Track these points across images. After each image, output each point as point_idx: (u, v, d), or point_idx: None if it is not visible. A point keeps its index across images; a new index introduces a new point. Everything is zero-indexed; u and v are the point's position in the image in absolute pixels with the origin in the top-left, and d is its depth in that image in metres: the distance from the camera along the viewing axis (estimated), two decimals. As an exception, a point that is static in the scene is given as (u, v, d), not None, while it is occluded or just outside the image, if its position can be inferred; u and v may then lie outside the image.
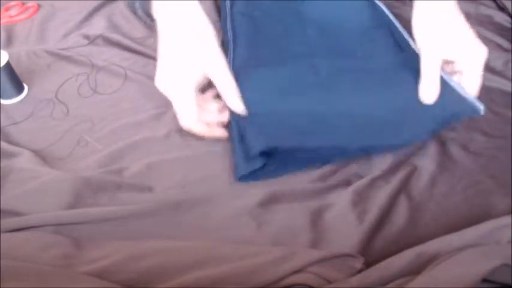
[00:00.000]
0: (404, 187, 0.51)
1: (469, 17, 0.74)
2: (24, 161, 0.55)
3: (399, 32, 0.68)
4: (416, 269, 0.39)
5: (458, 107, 0.54)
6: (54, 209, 0.49)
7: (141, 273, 0.41)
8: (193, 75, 0.54)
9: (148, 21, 0.78)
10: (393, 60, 0.63)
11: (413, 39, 0.59)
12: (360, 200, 0.49)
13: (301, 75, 0.62)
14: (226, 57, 0.67)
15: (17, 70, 0.66)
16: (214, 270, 0.40)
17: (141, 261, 0.42)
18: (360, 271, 0.41)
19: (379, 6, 0.74)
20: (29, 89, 0.68)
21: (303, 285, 0.40)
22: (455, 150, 0.55)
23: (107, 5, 0.82)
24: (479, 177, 0.52)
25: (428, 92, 0.54)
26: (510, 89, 0.61)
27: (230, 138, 0.57)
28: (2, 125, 0.62)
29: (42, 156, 0.57)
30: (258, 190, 0.52)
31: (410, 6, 0.76)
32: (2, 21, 0.81)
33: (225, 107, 0.56)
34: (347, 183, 0.52)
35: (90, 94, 0.66)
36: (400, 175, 0.52)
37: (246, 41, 0.70)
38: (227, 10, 0.77)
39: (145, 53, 0.71)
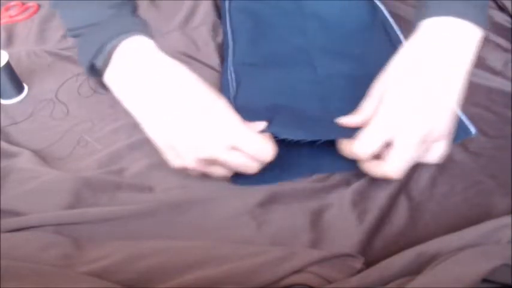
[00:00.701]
0: (404, 187, 0.51)
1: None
2: (24, 161, 0.55)
3: (395, 32, 0.68)
4: (416, 269, 0.39)
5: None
6: (54, 209, 0.49)
7: (141, 273, 0.41)
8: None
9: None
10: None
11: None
12: (360, 200, 0.49)
13: (299, 80, 0.62)
14: (226, 57, 0.67)
15: (17, 70, 0.66)
16: (214, 270, 0.40)
17: (141, 261, 0.42)
18: (360, 271, 0.41)
19: (378, 6, 0.74)
20: (29, 89, 0.68)
21: (303, 285, 0.40)
22: (455, 150, 0.55)
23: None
24: (479, 177, 0.52)
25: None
26: (510, 89, 0.61)
27: None
28: (2, 125, 0.62)
29: (42, 156, 0.57)
30: (258, 190, 0.52)
31: (411, 6, 0.76)
32: (2, 21, 0.81)
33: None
34: (347, 183, 0.52)
35: (90, 94, 0.66)
36: (400, 175, 0.52)
37: (245, 40, 0.70)
38: (226, 9, 0.77)
39: (145, 53, 0.71)
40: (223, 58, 0.70)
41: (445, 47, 0.46)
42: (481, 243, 0.40)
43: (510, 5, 0.74)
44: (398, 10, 0.75)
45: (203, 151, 0.46)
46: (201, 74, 0.67)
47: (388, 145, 0.46)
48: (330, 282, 0.40)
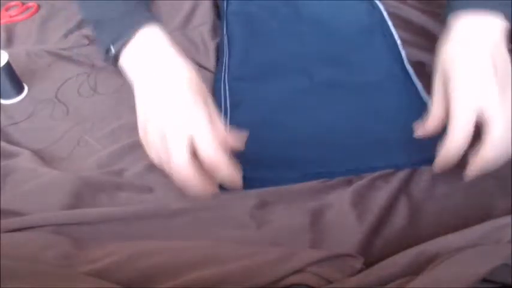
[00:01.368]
0: (404, 187, 0.51)
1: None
2: (24, 161, 0.55)
3: (393, 36, 0.68)
4: (416, 269, 0.39)
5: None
6: (54, 209, 0.49)
7: (141, 273, 0.41)
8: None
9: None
10: (386, 71, 0.63)
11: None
12: (360, 200, 0.49)
13: (294, 90, 0.62)
14: (221, 66, 0.67)
15: (17, 70, 0.66)
16: (214, 270, 0.40)
17: (141, 261, 0.42)
18: (360, 271, 0.41)
19: (378, 6, 0.74)
20: (29, 89, 0.68)
21: (303, 285, 0.40)
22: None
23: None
24: (479, 177, 0.52)
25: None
26: (510, 89, 0.61)
27: None
28: (2, 125, 0.62)
29: (42, 156, 0.57)
30: (257, 190, 0.52)
31: (411, 6, 0.76)
32: (2, 21, 0.81)
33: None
34: (347, 183, 0.52)
35: (90, 94, 0.66)
36: (400, 175, 0.52)
37: (240, 50, 0.70)
38: (224, 11, 0.77)
39: (145, 53, 0.71)
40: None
41: (483, 34, 0.49)
42: (481, 243, 0.40)
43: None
44: (398, 10, 0.75)
45: (166, 138, 0.47)
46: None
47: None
48: (330, 282, 0.40)
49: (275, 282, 0.40)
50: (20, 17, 0.82)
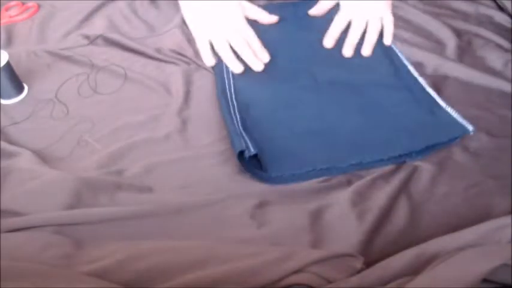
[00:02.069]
0: (404, 187, 0.51)
1: (469, 17, 0.75)
2: (24, 161, 0.55)
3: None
4: (416, 269, 0.39)
5: (450, 126, 0.55)
6: (54, 209, 0.49)
7: (141, 273, 0.41)
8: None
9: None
10: (386, 72, 0.65)
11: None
12: (360, 200, 0.49)
13: (298, 88, 0.63)
14: (222, 66, 0.68)
15: (17, 70, 0.66)
16: (214, 270, 0.40)
17: (141, 261, 0.42)
18: (360, 271, 0.41)
19: None
20: (29, 89, 0.68)
21: (303, 285, 0.40)
22: (455, 150, 0.55)
23: (107, 5, 0.82)
24: (479, 177, 0.52)
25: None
26: (510, 90, 0.61)
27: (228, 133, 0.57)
28: (2, 125, 0.62)
29: (42, 156, 0.57)
30: (257, 190, 0.52)
31: (411, 6, 0.76)
32: (2, 21, 0.81)
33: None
34: (347, 183, 0.52)
35: (90, 94, 0.66)
36: (400, 175, 0.52)
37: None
38: None
39: (145, 53, 0.71)
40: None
41: None
42: (481, 243, 0.40)
43: (510, 5, 0.74)
44: (398, 10, 0.75)
45: (221, 28, 0.69)
46: (197, 75, 0.68)
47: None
48: (330, 282, 0.40)
49: (275, 282, 0.40)
50: (20, 17, 0.82)
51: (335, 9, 0.73)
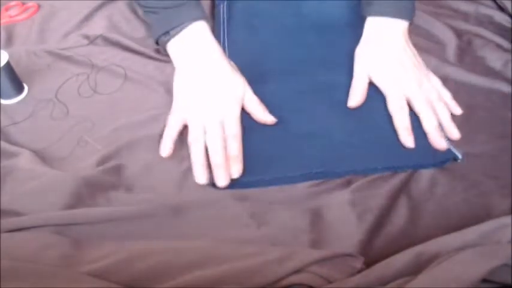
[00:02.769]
0: (404, 187, 0.51)
1: (469, 17, 0.75)
2: (24, 161, 0.55)
3: None
4: (416, 269, 0.39)
5: (439, 151, 0.54)
6: (54, 209, 0.49)
7: (141, 273, 0.41)
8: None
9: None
10: None
11: None
12: (360, 200, 0.49)
13: (299, 88, 0.63)
14: None
15: (17, 70, 0.66)
16: (214, 270, 0.40)
17: (141, 261, 0.42)
18: (360, 271, 0.41)
19: None
20: (29, 89, 0.68)
21: (303, 285, 0.40)
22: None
23: (107, 5, 0.82)
24: (479, 177, 0.52)
25: (353, 100, 0.60)
26: (510, 90, 0.61)
27: None
28: (2, 125, 0.62)
29: (42, 156, 0.57)
30: (257, 190, 0.52)
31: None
32: (2, 21, 0.81)
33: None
34: (347, 183, 0.52)
35: (90, 94, 0.66)
36: (400, 175, 0.52)
37: (242, 51, 0.70)
38: (221, 16, 0.76)
39: (145, 53, 0.71)
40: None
41: (388, 35, 0.64)
42: (481, 243, 0.40)
43: (510, 5, 0.74)
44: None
45: (204, 115, 0.57)
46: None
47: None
48: (330, 282, 0.40)
49: (275, 282, 0.40)
50: (20, 17, 0.82)
51: None
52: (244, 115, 0.59)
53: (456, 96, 0.61)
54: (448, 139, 0.56)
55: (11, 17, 0.82)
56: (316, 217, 0.49)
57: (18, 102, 0.66)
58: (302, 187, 0.52)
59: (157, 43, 0.65)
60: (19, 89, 0.66)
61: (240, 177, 0.53)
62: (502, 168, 0.52)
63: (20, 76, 0.67)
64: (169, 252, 0.43)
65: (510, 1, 0.74)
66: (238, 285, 0.39)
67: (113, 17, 0.80)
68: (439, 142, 0.55)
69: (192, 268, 0.41)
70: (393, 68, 0.60)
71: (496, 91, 0.62)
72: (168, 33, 0.62)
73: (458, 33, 0.71)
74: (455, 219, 0.48)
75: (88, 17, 0.80)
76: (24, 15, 0.82)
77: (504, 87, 0.62)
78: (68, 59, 0.72)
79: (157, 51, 0.71)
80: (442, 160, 0.53)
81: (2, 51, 0.63)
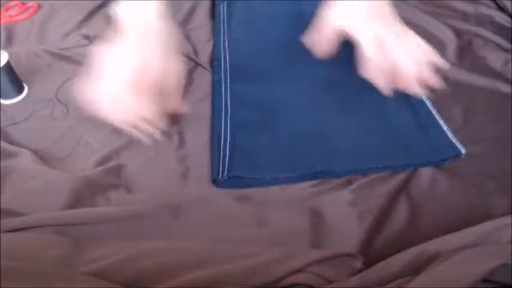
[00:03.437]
0: (404, 187, 0.51)
1: (469, 17, 0.75)
2: (24, 161, 0.55)
3: None
4: (416, 269, 0.39)
5: (443, 147, 0.54)
6: (54, 209, 0.49)
7: (141, 273, 0.41)
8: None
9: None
10: None
11: None
12: (360, 200, 0.49)
13: (295, 91, 0.63)
14: (219, 67, 0.67)
15: (17, 70, 0.66)
16: (214, 270, 0.40)
17: (141, 261, 0.42)
18: (360, 271, 0.41)
19: None
20: (29, 89, 0.68)
21: (303, 285, 0.40)
22: (455, 150, 0.55)
23: (107, 5, 0.82)
24: (479, 177, 0.52)
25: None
26: (510, 90, 0.61)
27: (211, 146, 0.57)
28: (2, 125, 0.62)
29: (42, 156, 0.57)
30: (257, 190, 0.52)
31: (412, 7, 0.76)
32: (2, 21, 0.81)
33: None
34: (347, 183, 0.52)
35: (90, 94, 0.66)
36: (400, 175, 0.52)
37: (242, 51, 0.70)
38: (221, 16, 0.76)
39: (145, 53, 0.71)
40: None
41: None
42: (481, 243, 0.40)
43: (510, 5, 0.74)
44: (398, 10, 0.75)
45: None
46: (196, 74, 0.68)
47: None
48: (330, 282, 0.40)
49: (275, 282, 0.40)
50: (20, 17, 0.82)
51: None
52: (245, 115, 0.59)
53: (456, 96, 0.61)
54: (453, 134, 0.55)
55: (11, 17, 0.82)
56: (316, 217, 0.49)
57: (18, 102, 0.66)
58: (302, 187, 0.52)
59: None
60: (19, 89, 0.66)
61: (240, 177, 0.53)
62: (502, 168, 0.52)
63: (20, 76, 0.67)
64: (169, 252, 0.43)
65: (510, 1, 0.74)
66: (238, 285, 0.39)
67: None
68: (414, 88, 0.57)
69: (192, 268, 0.41)
70: (368, 17, 0.60)
71: (496, 91, 0.62)
72: None
73: (458, 33, 0.71)
74: (455, 219, 0.48)
75: (88, 17, 0.81)
76: (24, 15, 0.82)
77: (504, 87, 0.62)
78: (68, 59, 0.72)
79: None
80: (445, 157, 0.53)
81: (2, 51, 0.63)
